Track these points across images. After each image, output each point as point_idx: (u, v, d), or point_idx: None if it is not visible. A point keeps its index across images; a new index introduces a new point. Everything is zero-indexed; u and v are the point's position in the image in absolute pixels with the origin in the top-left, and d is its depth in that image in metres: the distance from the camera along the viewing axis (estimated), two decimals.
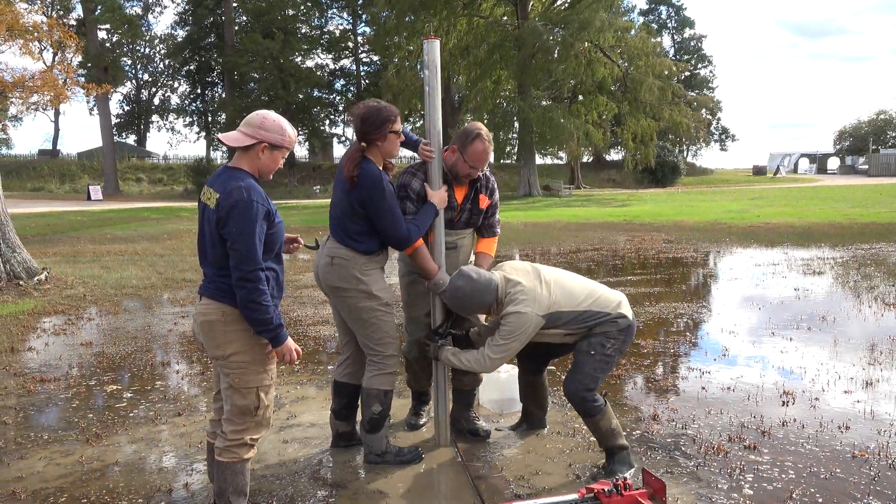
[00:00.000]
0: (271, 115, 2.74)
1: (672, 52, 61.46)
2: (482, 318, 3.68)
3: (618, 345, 3.24)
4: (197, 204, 2.81)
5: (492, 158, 3.83)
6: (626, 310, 3.29)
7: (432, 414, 4.10)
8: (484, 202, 3.59)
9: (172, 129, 74.54)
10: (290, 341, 2.70)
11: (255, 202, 2.56)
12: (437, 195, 3.39)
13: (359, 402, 3.60)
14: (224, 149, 53.66)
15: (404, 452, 3.44)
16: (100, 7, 38.53)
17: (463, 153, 3.41)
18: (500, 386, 4.19)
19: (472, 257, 3.70)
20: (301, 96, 45.13)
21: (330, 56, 52.95)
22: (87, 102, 51.14)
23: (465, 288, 3.16)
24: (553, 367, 5.06)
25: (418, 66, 33.58)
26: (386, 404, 3.37)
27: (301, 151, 54.79)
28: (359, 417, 3.68)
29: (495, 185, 3.69)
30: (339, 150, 60.48)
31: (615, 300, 3.28)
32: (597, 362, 3.21)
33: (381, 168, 3.25)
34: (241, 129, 2.70)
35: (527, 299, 3.13)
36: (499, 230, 3.71)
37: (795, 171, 70.96)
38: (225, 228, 2.57)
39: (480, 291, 3.15)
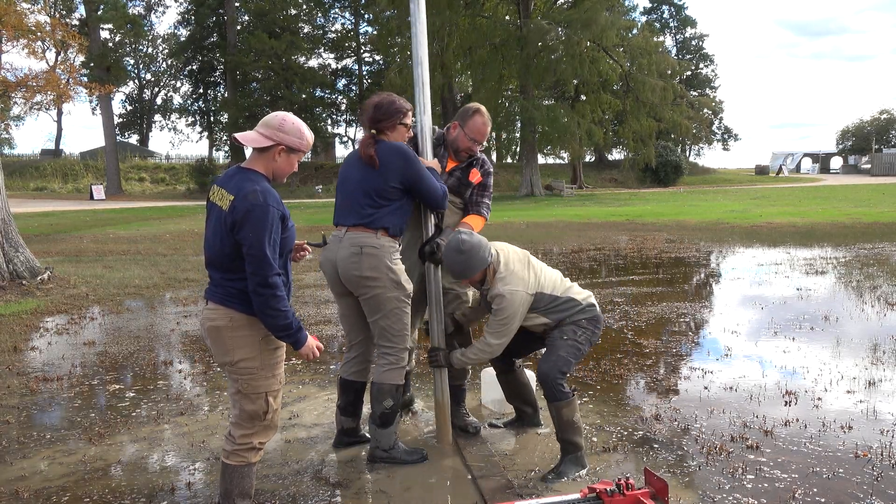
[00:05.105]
0: (290, 117, 2.67)
1: (674, 51, 61.44)
2: (469, 296, 3.80)
3: (588, 335, 3.40)
4: (205, 204, 2.75)
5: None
6: (595, 302, 3.50)
7: (413, 409, 4.17)
8: (475, 176, 3.74)
9: (175, 128, 74.90)
10: (311, 340, 2.68)
11: (272, 206, 2.50)
12: (433, 162, 3.51)
13: (364, 398, 3.64)
14: (227, 149, 54.16)
15: (411, 452, 3.45)
16: (102, 7, 38.59)
17: (463, 127, 3.62)
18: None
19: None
20: (304, 96, 45.11)
21: (332, 55, 53.05)
22: (90, 102, 51.47)
23: (469, 242, 3.20)
24: None
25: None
26: (397, 399, 3.39)
27: None
28: (364, 413, 3.70)
29: (490, 170, 3.83)
30: (340, 151, 60.49)
31: (586, 293, 3.50)
32: (569, 347, 3.34)
33: None
34: (259, 129, 2.62)
35: (516, 279, 3.28)
36: (485, 214, 3.77)
37: (798, 170, 70.88)
38: (241, 233, 2.50)
39: (481, 248, 3.23)
